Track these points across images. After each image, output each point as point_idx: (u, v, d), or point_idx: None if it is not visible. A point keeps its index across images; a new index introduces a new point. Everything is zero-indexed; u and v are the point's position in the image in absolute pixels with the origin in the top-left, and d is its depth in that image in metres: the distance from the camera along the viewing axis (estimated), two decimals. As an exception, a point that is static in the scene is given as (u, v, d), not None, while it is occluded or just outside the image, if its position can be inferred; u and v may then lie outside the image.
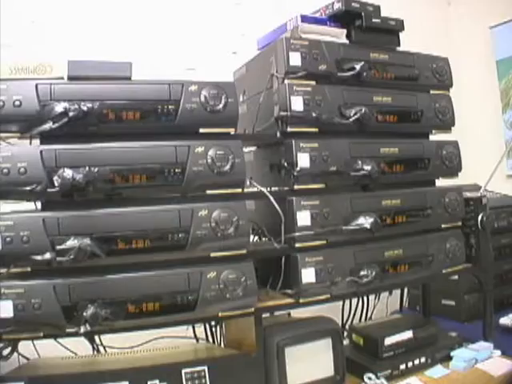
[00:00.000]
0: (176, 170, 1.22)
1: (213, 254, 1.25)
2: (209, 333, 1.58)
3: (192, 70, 2.07)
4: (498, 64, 2.53)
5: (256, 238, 1.52)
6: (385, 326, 1.67)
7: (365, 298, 1.81)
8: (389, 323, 1.71)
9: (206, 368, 1.28)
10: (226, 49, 2.06)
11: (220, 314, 1.25)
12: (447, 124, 1.58)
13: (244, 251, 1.27)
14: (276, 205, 1.31)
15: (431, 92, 1.57)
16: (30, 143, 1.18)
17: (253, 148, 1.59)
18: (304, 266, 1.32)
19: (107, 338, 1.45)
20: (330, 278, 1.35)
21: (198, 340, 1.59)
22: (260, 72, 1.46)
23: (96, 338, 1.44)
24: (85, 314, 1.13)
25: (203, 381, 1.28)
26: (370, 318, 1.83)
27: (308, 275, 1.33)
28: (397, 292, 1.94)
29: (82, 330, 1.13)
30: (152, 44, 2.01)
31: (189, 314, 1.23)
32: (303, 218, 1.32)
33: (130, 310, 1.18)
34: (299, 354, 1.38)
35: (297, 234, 1.31)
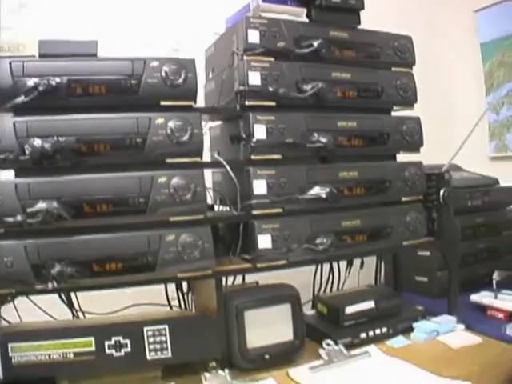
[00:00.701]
0: (137, 140, 1.42)
1: (172, 219, 1.44)
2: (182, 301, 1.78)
3: (176, 50, 2.30)
4: (482, 47, 2.71)
5: (222, 208, 1.73)
6: (349, 296, 1.86)
7: (336, 272, 2.01)
8: (354, 294, 1.89)
9: (166, 326, 1.49)
10: (209, 30, 2.26)
11: (179, 275, 1.46)
12: (409, 101, 1.76)
13: (201, 216, 1.47)
14: (231, 173, 1.51)
15: (393, 69, 1.75)
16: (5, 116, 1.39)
17: (219, 123, 1.80)
18: (260, 232, 1.52)
19: (87, 305, 1.67)
20: (287, 245, 1.54)
21: (171, 307, 1.80)
22: (225, 50, 1.65)
23: (76, 304, 1.66)
24: (52, 271, 1.33)
25: (164, 338, 1.48)
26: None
27: (264, 241, 1.52)
28: (372, 267, 2.14)
29: (50, 286, 1.34)
30: (137, 25, 2.24)
31: (149, 274, 1.42)
32: (259, 187, 1.51)
33: (94, 269, 1.38)
34: (258, 317, 1.56)
35: (253, 201, 1.51)
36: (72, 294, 1.62)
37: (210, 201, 1.75)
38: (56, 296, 1.56)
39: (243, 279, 1.85)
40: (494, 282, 2.06)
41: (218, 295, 1.54)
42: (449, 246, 1.83)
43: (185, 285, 1.79)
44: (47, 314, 1.62)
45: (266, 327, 1.59)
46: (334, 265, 2.03)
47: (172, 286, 1.78)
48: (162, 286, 1.73)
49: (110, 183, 1.41)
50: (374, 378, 1.48)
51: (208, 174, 1.79)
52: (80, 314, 1.69)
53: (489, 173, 2.46)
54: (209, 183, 1.77)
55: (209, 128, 1.82)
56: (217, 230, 1.64)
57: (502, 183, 2.41)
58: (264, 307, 1.59)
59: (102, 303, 1.63)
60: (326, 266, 2.06)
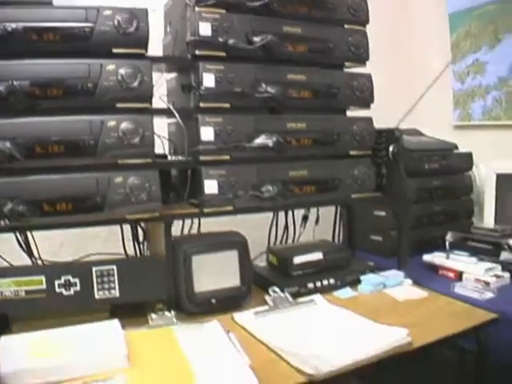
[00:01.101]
0: (89, 85, 1.53)
1: (120, 161, 1.56)
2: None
3: (154, 11, 2.41)
4: (450, 18, 2.84)
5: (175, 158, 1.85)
6: (299, 248, 1.99)
7: (291, 226, 2.14)
8: (304, 246, 2.02)
9: (114, 267, 1.61)
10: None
11: (127, 216, 1.58)
12: (361, 58, 1.87)
13: (149, 160, 1.59)
14: (179, 118, 1.64)
15: (345, 26, 1.88)
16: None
17: (175, 74, 1.92)
18: (207, 178, 1.64)
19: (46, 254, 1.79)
20: (233, 191, 1.66)
21: (127, 256, 1.90)
22: (180, 3, 1.78)
23: (36, 253, 1.78)
24: (4, 209, 1.45)
25: (112, 278, 1.60)
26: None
27: (211, 186, 1.64)
28: (330, 227, 2.27)
29: (2, 223, 1.46)
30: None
31: (98, 214, 1.54)
32: (207, 134, 1.63)
33: (45, 209, 1.49)
34: (206, 262, 1.68)
35: (200, 147, 1.63)
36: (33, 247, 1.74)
37: (166, 151, 1.90)
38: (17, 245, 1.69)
39: (198, 229, 1.98)
40: (447, 243, 2.18)
41: (166, 238, 1.65)
42: (398, 202, 1.96)
43: (141, 234, 1.91)
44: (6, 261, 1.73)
45: (214, 273, 1.71)
46: (290, 220, 2.16)
47: (129, 236, 1.90)
48: (120, 237, 1.86)
49: (62, 126, 1.51)
50: (315, 324, 1.60)
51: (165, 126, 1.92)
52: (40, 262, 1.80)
53: (452, 140, 2.60)
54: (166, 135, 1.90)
55: (166, 80, 1.94)
56: (169, 178, 1.76)
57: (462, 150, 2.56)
58: (212, 253, 1.71)
59: (61, 254, 1.74)
60: (282, 223, 2.18)
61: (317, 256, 1.87)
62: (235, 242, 1.75)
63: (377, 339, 1.44)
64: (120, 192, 1.54)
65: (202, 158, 1.64)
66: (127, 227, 1.88)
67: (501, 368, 1.91)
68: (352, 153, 1.87)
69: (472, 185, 2.54)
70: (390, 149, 1.89)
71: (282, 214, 2.18)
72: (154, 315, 1.62)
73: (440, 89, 2.86)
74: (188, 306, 1.67)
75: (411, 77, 2.96)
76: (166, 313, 1.63)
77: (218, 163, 1.66)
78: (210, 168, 1.64)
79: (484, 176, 2.49)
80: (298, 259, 1.84)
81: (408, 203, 1.97)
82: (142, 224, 1.88)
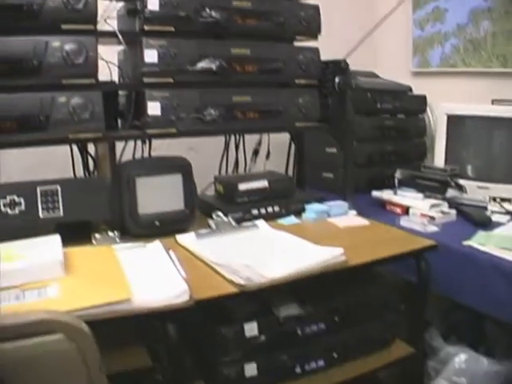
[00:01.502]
0: (34, 7, 1.59)
1: (65, 81, 1.65)
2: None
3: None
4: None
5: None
6: (246, 177, 2.10)
7: (241, 155, 2.27)
8: (251, 175, 2.14)
9: (58, 186, 1.71)
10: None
11: (70, 136, 1.67)
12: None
13: (93, 80, 1.68)
14: (123, 41, 1.73)
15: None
16: None
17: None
18: (150, 100, 1.72)
19: None
20: (176, 114, 1.75)
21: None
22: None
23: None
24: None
25: (56, 198, 1.70)
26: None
27: (154, 108, 1.73)
28: (281, 162, 2.39)
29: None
30: None
31: (42, 133, 1.62)
32: (150, 56, 1.71)
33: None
34: (150, 185, 1.78)
35: (144, 69, 1.72)
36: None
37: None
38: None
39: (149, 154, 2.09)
40: (396, 181, 2.30)
41: (110, 159, 1.76)
42: (342, 133, 2.07)
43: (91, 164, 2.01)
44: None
45: (158, 195, 1.80)
46: (240, 155, 2.26)
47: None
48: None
49: (7, 45, 1.58)
50: (254, 243, 1.72)
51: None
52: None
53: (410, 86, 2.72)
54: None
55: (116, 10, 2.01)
56: (116, 105, 1.85)
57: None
58: (156, 176, 1.81)
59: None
60: (232, 158, 2.29)
61: (262, 184, 1.97)
62: (179, 165, 1.84)
63: (312, 256, 1.55)
64: (63, 111, 1.62)
65: (145, 79, 1.72)
66: (78, 159, 1.98)
67: (439, 298, 2.04)
68: (297, 82, 1.96)
69: (425, 128, 2.66)
70: (336, 80, 1.99)
71: (232, 149, 2.28)
72: (97, 235, 1.72)
73: (400, 36, 2.97)
74: (132, 227, 1.76)
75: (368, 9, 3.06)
76: (110, 233, 1.73)
77: (161, 86, 1.74)
78: (153, 90, 1.72)
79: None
80: (243, 186, 1.94)
81: (351, 132, 2.06)
82: (93, 154, 1.97)
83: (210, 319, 1.57)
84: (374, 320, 1.79)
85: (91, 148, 2.02)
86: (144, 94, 1.71)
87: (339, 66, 1.99)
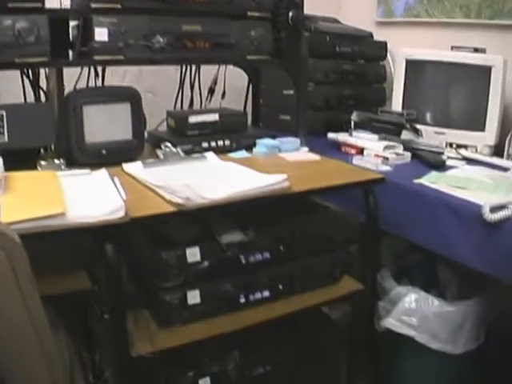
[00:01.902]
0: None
1: (10, 5, 1.56)
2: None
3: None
4: None
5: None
6: (198, 111, 2.07)
7: (197, 96, 2.25)
8: (203, 110, 2.12)
9: (3, 112, 1.64)
10: None
11: (16, 60, 1.60)
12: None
13: (39, 4, 1.60)
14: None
15: None
16: None
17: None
18: (98, 26, 1.67)
19: None
20: (124, 40, 1.69)
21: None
22: None
23: None
24: None
25: (0, 123, 1.65)
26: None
27: (101, 34, 1.66)
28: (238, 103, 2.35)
29: None
30: None
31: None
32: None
33: None
34: (98, 114, 1.74)
35: (89, -8, 1.67)
36: None
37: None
38: None
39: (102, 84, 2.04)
40: (352, 123, 2.26)
41: (58, 88, 1.70)
42: (296, 69, 2.02)
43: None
44: None
45: (105, 124, 1.76)
46: (196, 95, 2.22)
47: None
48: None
49: None
50: (200, 171, 1.69)
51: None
52: None
53: (375, 37, 2.69)
54: None
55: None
56: (66, 34, 1.78)
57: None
58: (103, 104, 1.76)
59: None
60: (188, 98, 2.25)
61: (213, 117, 1.93)
62: (128, 94, 1.79)
63: (256, 181, 1.52)
64: (8, 35, 1.56)
65: (93, 5, 1.66)
66: (30, 94, 1.94)
67: (392, 242, 2.02)
68: (250, 14, 1.91)
69: (385, 75, 2.61)
70: (290, 14, 1.94)
71: (188, 89, 2.23)
72: (43, 162, 1.66)
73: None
74: (78, 156, 1.72)
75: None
76: (56, 161, 1.68)
77: (109, 11, 1.68)
78: (100, 16, 1.67)
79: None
80: (194, 119, 1.90)
81: (306, 70, 2.02)
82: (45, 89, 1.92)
83: (150, 244, 1.52)
84: (321, 254, 1.76)
85: (43, 82, 1.96)
86: (91, 19, 1.65)
87: (293, 0, 1.93)
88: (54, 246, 1.51)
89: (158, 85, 2.41)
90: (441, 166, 1.99)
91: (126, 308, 1.44)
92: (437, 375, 2.11)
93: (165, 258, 1.48)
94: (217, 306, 1.60)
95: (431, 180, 1.85)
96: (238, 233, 1.58)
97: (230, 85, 2.31)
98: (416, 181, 1.85)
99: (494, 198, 1.65)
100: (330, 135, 2.22)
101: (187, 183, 1.40)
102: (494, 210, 1.56)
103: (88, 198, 1.39)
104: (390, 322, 1.97)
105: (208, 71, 2.28)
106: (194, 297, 1.55)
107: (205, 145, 1.88)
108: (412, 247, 2.26)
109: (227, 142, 1.91)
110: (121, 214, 1.28)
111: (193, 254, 1.52)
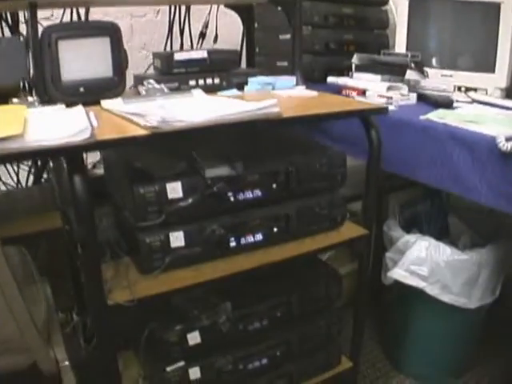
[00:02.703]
0: None
1: None
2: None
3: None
4: None
5: None
6: (185, 51, 1.87)
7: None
8: (192, 50, 1.89)
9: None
10: None
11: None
12: None
13: None
14: None
15: None
16: None
17: None
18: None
19: None
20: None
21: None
22: None
23: None
24: None
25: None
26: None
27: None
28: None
29: None
30: None
31: None
32: None
33: None
34: (75, 49, 1.53)
35: None
36: None
37: None
38: None
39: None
40: (353, 66, 2.05)
41: (31, 20, 1.50)
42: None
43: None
44: None
45: (83, 61, 1.56)
46: (186, 38, 2.02)
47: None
48: None
49: None
50: (184, 103, 1.48)
51: None
52: None
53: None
54: None
55: None
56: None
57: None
58: (80, 38, 1.56)
59: None
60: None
61: (201, 54, 1.73)
62: (107, 28, 1.59)
63: (242, 106, 1.32)
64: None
65: None
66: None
67: (398, 193, 1.81)
68: None
69: (387, 20, 2.39)
70: None
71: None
72: (15, 99, 1.48)
73: None
74: (54, 93, 1.53)
75: None
76: (30, 98, 1.50)
77: None
78: None
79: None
80: (180, 56, 1.70)
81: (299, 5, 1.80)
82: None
83: (127, 179, 1.32)
84: (320, 194, 1.55)
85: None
86: None
87: None
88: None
89: (149, 42, 2.22)
90: (449, 106, 1.76)
91: (101, 250, 1.28)
92: (448, 331, 1.90)
93: (142, 194, 1.28)
94: (204, 250, 1.40)
95: (439, 116, 1.65)
96: (226, 168, 1.36)
97: (223, 34, 2.10)
98: (423, 117, 1.62)
99: (508, 130, 1.42)
100: (330, 79, 2.02)
101: (163, 105, 1.19)
102: (509, 140, 1.33)
103: (54, 124, 1.21)
104: (398, 273, 1.77)
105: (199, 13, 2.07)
106: (177, 239, 1.36)
107: (192, 82, 1.69)
108: (420, 198, 2.05)
109: (216, 81, 1.72)
110: (85, 135, 1.10)
111: (174, 190, 1.32)
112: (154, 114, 1.18)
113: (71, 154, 1.13)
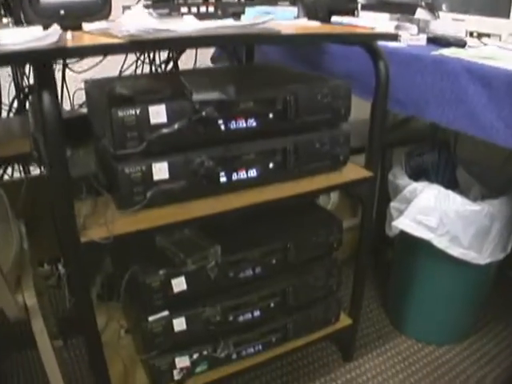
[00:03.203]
0: None
1: None
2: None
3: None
4: None
5: None
6: None
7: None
8: None
9: None
10: None
11: None
12: None
13: None
14: None
15: None
16: None
17: None
18: None
19: None
20: None
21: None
22: None
23: None
24: None
25: None
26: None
27: None
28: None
29: None
30: None
31: None
32: None
33: None
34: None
35: None
36: None
37: None
38: None
39: None
40: (359, 5, 1.87)
41: None
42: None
43: None
44: None
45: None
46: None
47: None
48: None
49: None
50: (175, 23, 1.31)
51: None
52: None
53: None
54: None
55: None
56: None
57: None
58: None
59: None
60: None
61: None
62: None
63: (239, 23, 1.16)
64: None
65: None
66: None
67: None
68: None
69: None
70: None
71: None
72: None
73: None
74: (31, 16, 1.34)
75: None
76: (4, 19, 1.38)
77: None
78: None
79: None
80: None
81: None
82: None
83: (105, 103, 1.16)
84: (320, 129, 1.38)
85: None
86: None
87: None
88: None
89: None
90: (463, 46, 1.59)
91: (73, 181, 1.09)
92: (455, 290, 1.74)
93: (121, 117, 1.10)
94: (190, 185, 1.23)
95: (452, 51, 1.47)
96: (216, 93, 1.19)
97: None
98: (434, 52, 1.45)
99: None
100: (334, 18, 1.82)
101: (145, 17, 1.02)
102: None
103: (22, 33, 1.03)
104: (404, 223, 1.60)
105: None
106: (160, 170, 1.19)
107: (184, 10, 1.49)
108: (427, 149, 1.88)
109: (211, 9, 1.52)
110: (53, 39, 0.96)
111: (157, 114, 1.15)
112: (134, 24, 1.01)
113: (38, 62, 0.98)
